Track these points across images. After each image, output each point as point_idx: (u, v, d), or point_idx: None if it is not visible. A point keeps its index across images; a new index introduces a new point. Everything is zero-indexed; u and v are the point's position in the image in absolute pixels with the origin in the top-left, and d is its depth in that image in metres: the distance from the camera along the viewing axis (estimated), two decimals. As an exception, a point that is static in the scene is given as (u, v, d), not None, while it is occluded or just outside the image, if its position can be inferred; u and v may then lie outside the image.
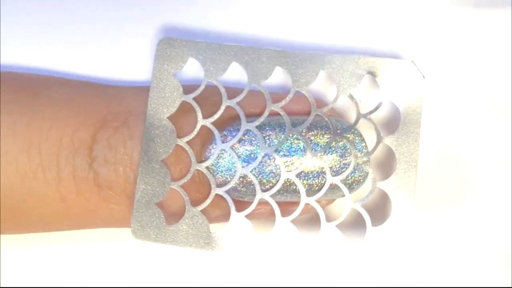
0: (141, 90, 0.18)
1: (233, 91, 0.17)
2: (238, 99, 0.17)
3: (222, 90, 0.17)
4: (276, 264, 0.20)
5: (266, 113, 0.17)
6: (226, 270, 0.20)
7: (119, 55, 0.20)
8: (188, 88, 0.17)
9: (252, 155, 0.17)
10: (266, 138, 0.17)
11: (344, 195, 0.17)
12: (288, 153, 0.17)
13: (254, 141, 0.17)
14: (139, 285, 0.20)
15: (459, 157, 0.20)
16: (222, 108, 0.17)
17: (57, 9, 0.20)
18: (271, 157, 0.16)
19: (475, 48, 0.20)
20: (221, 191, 0.17)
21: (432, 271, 0.20)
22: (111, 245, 0.20)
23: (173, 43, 0.18)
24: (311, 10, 0.20)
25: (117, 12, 0.20)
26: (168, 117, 0.17)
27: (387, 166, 0.18)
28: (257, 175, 0.16)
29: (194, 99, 0.17)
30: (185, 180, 0.16)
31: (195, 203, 0.17)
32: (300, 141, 0.17)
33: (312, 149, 0.16)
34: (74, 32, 0.20)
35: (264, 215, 0.17)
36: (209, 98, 0.17)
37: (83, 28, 0.20)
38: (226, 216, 0.17)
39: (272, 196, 0.17)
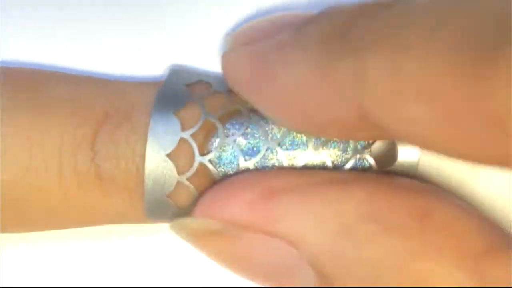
0: (144, 85, 0.18)
1: None
2: (244, 102, 0.17)
3: (230, 96, 0.17)
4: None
5: None
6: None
7: (121, 50, 0.20)
8: (196, 86, 0.18)
9: (255, 148, 0.17)
10: (269, 132, 0.17)
11: None
12: (290, 147, 0.17)
13: (256, 134, 0.17)
14: (139, 285, 0.20)
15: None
16: (228, 107, 0.17)
17: (59, 3, 0.20)
18: (273, 151, 0.17)
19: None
20: None
21: None
22: (111, 244, 0.20)
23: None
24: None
25: (120, 7, 0.20)
26: (173, 113, 0.17)
27: (389, 156, 0.18)
28: (259, 169, 0.17)
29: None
30: (190, 174, 0.17)
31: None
32: (303, 135, 0.17)
33: (314, 143, 0.17)
34: (75, 26, 0.20)
35: None
36: (214, 94, 0.17)
37: (85, 22, 0.20)
38: None
39: None
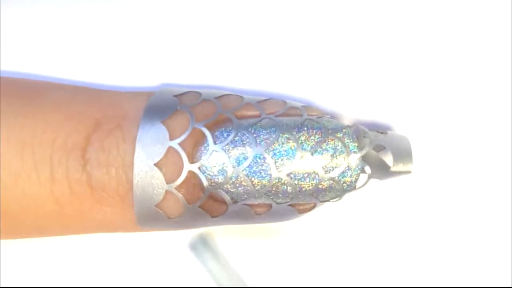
0: (136, 95, 0.18)
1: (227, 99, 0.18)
2: (232, 110, 0.17)
3: (218, 104, 0.17)
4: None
5: (261, 118, 0.17)
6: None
7: (113, 60, 0.20)
8: (184, 96, 0.18)
9: (243, 155, 0.17)
10: (257, 139, 0.17)
11: (337, 196, 0.17)
12: (279, 154, 0.17)
13: (245, 142, 0.17)
14: (138, 285, 0.20)
15: (456, 152, 0.20)
16: (216, 115, 0.17)
17: (52, 14, 0.21)
18: (261, 157, 0.17)
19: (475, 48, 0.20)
20: (215, 189, 0.17)
21: (431, 271, 0.20)
22: (111, 244, 0.20)
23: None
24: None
25: (114, 17, 0.21)
26: (161, 122, 0.17)
27: (383, 164, 0.17)
28: (248, 175, 0.17)
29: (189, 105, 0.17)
30: (179, 182, 0.17)
31: (190, 204, 0.17)
32: (291, 142, 0.17)
33: (302, 149, 0.17)
34: (69, 36, 0.21)
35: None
36: (202, 102, 0.17)
37: (78, 33, 0.21)
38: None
39: (264, 196, 0.17)
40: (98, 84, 0.20)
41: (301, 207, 0.18)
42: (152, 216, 0.17)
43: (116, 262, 0.20)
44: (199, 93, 0.18)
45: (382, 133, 0.18)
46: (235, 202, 0.17)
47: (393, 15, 0.20)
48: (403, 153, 0.17)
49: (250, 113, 0.17)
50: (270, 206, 0.17)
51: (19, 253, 0.20)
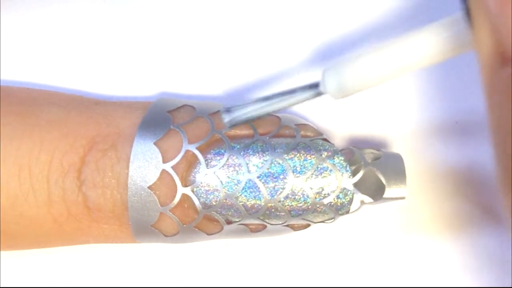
0: (131, 109, 0.18)
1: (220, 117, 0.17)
2: (224, 130, 0.17)
3: (211, 123, 0.17)
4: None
5: (254, 140, 0.17)
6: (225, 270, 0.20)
7: (112, 64, 0.20)
8: (178, 112, 0.18)
9: (235, 180, 0.17)
10: (249, 164, 0.17)
11: (331, 219, 0.17)
12: (271, 179, 0.17)
13: (237, 166, 0.17)
14: (138, 285, 0.21)
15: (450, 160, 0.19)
16: (209, 136, 0.17)
17: (48, 23, 0.20)
18: (254, 183, 0.16)
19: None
20: (209, 211, 0.17)
21: (431, 272, 0.20)
22: (111, 245, 0.21)
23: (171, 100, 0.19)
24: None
25: (113, 23, 0.20)
26: (154, 143, 0.17)
27: (375, 188, 0.17)
28: (241, 200, 0.17)
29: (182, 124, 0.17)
30: (173, 205, 0.17)
31: (185, 224, 0.17)
32: (284, 167, 0.16)
33: (295, 175, 0.16)
34: (67, 40, 0.20)
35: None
36: (195, 121, 0.17)
37: (75, 41, 0.20)
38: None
39: (258, 219, 0.17)
40: (95, 93, 0.20)
41: (295, 225, 0.18)
42: (149, 234, 0.17)
43: (116, 261, 0.21)
44: (193, 108, 0.18)
45: (377, 150, 0.18)
46: (230, 223, 0.17)
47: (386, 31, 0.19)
48: (397, 179, 0.17)
49: (243, 132, 0.17)
50: (265, 225, 0.17)
51: (19, 254, 0.21)
